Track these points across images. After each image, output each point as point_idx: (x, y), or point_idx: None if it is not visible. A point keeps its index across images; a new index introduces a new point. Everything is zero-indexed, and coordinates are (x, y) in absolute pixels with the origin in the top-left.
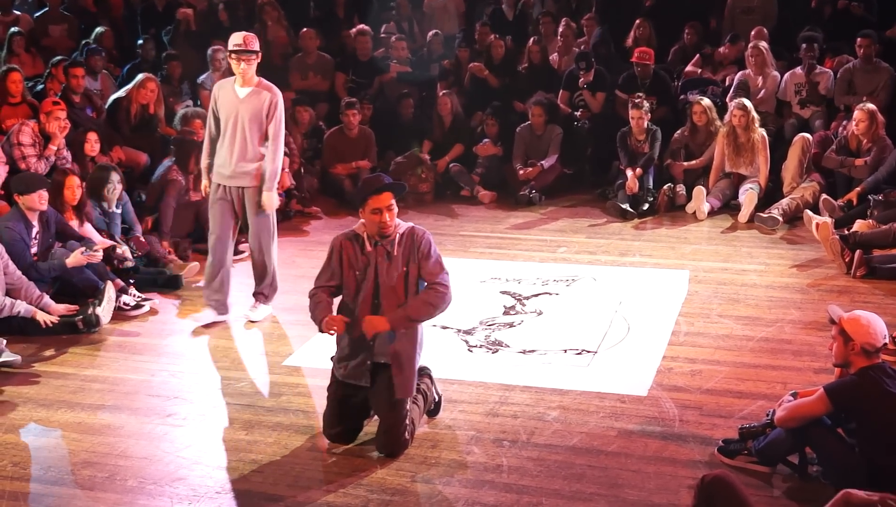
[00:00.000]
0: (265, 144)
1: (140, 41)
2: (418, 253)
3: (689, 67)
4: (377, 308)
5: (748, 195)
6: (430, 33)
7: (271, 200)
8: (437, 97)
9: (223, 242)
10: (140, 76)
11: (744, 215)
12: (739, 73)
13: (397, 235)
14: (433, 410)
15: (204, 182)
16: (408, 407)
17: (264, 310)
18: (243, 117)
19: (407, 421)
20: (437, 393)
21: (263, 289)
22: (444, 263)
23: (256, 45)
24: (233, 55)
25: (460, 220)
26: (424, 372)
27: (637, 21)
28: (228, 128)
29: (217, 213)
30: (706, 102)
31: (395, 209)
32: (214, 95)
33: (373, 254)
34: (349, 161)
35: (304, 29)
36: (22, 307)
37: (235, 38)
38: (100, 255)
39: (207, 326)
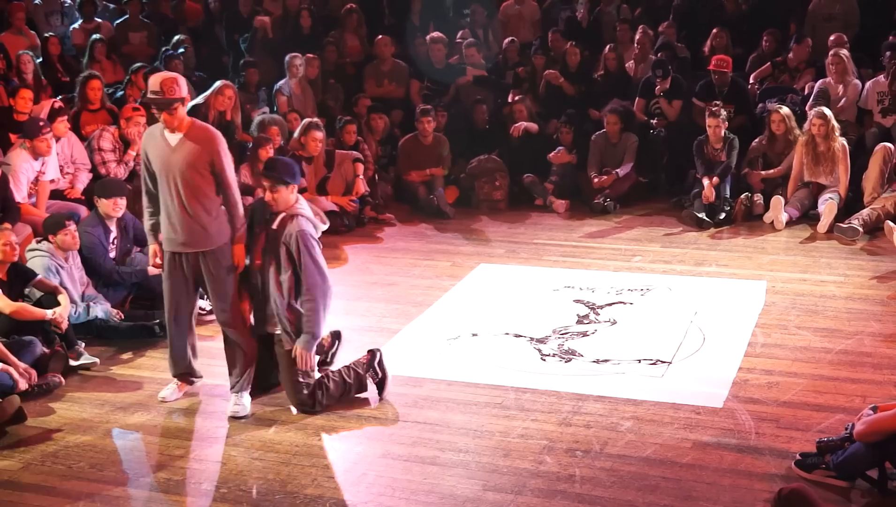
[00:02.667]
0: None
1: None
2: None
3: (753, 77)
4: None
5: (828, 205)
6: (506, 41)
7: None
8: (511, 103)
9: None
10: (218, 83)
11: (823, 226)
12: (819, 82)
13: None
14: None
15: (152, 247)
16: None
17: (248, 400)
18: (180, 169)
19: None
20: (377, 371)
21: (242, 379)
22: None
23: (179, 92)
24: (153, 106)
25: (534, 228)
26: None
27: (714, 31)
28: (164, 183)
29: (171, 286)
30: (785, 110)
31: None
32: (143, 146)
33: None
34: (423, 168)
35: (380, 36)
36: (99, 310)
37: (152, 84)
38: None
39: None
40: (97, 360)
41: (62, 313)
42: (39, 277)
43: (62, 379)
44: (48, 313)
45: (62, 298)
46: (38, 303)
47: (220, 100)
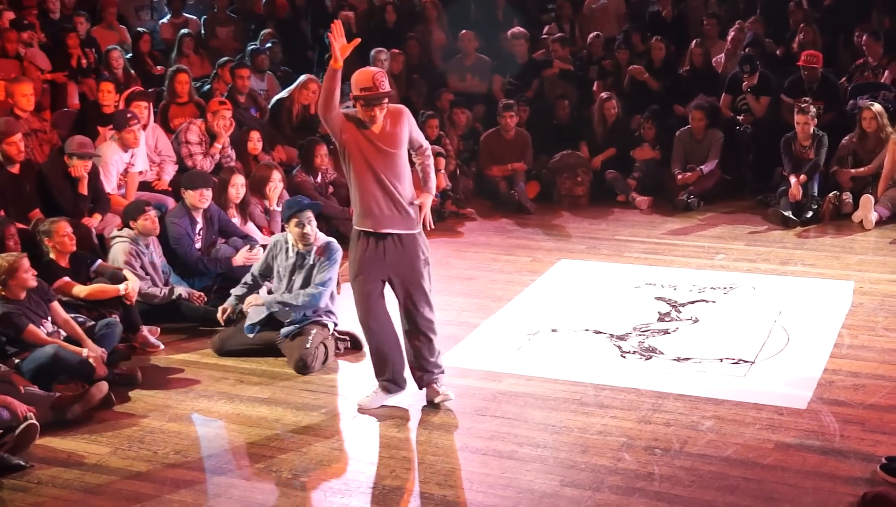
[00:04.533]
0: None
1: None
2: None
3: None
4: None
5: None
6: (591, 35)
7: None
8: (599, 98)
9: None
10: (303, 77)
11: None
12: None
13: (314, 247)
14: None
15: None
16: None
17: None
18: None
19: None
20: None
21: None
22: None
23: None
24: (363, 102)
25: (616, 224)
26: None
27: (801, 25)
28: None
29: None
30: (877, 107)
31: (314, 223)
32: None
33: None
34: (505, 163)
35: (463, 31)
36: (183, 290)
37: (364, 82)
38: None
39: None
40: (161, 344)
41: (133, 287)
42: (99, 261)
43: (140, 375)
44: (120, 288)
45: (128, 273)
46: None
47: (305, 94)
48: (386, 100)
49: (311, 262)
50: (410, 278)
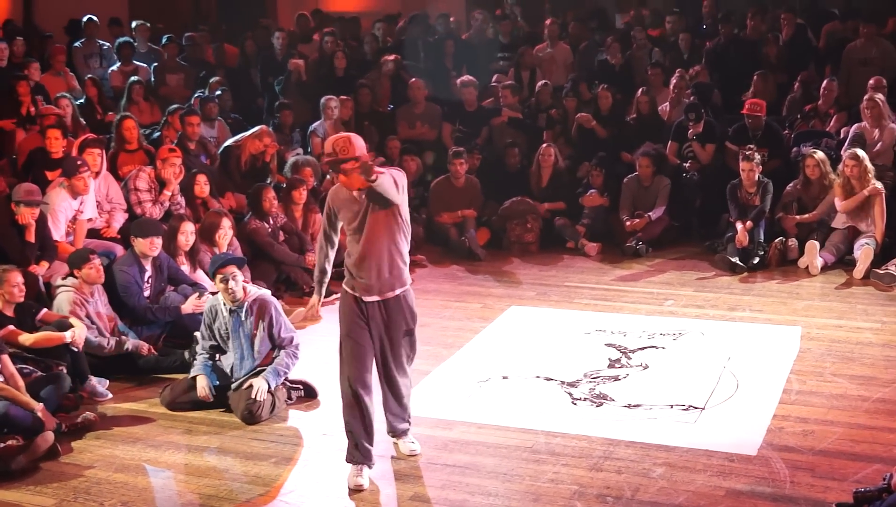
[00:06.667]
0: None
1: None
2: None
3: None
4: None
5: (864, 250)
6: (539, 83)
7: None
8: (539, 148)
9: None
10: (258, 128)
11: (859, 271)
12: (855, 126)
13: (247, 302)
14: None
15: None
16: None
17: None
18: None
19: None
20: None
21: None
22: (289, 325)
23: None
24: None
25: (565, 270)
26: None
27: (756, 76)
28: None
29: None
30: (820, 154)
31: (241, 277)
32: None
33: (229, 320)
34: (455, 210)
35: (413, 79)
36: (130, 344)
37: (326, 147)
38: None
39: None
40: (109, 394)
41: (80, 333)
42: (44, 311)
43: (97, 416)
44: (66, 336)
45: (74, 320)
46: None
47: (257, 144)
48: (354, 164)
49: (249, 326)
50: (395, 337)
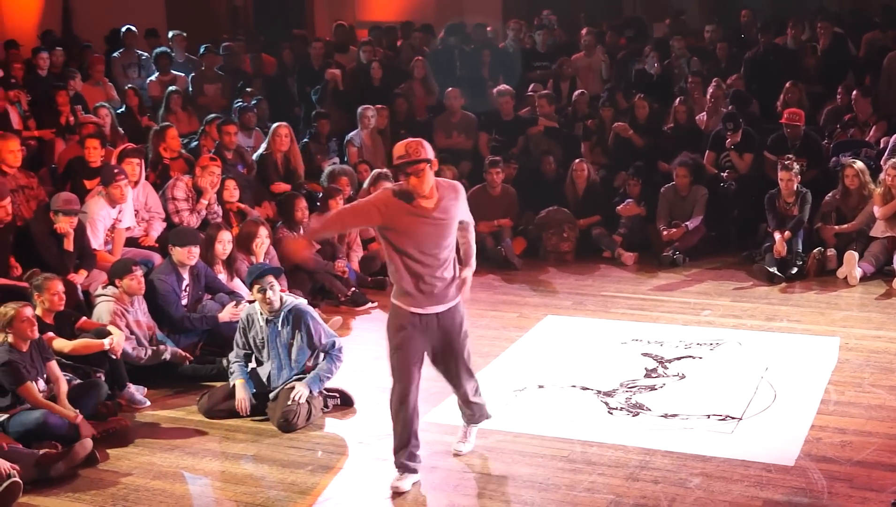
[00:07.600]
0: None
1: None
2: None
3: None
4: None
5: None
6: (576, 93)
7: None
8: (572, 164)
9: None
10: (272, 127)
11: None
12: (895, 136)
13: (283, 312)
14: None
15: None
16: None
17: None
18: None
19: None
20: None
21: None
22: (329, 333)
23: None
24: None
25: (602, 280)
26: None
27: (787, 84)
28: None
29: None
30: (859, 164)
31: (278, 287)
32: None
33: (265, 329)
34: (491, 219)
35: (449, 88)
36: (168, 353)
37: (398, 150)
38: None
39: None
40: (147, 401)
41: (118, 340)
42: (83, 319)
43: (128, 421)
44: (105, 343)
45: (112, 328)
46: None
47: (278, 141)
48: (425, 166)
49: (286, 336)
50: (452, 350)
